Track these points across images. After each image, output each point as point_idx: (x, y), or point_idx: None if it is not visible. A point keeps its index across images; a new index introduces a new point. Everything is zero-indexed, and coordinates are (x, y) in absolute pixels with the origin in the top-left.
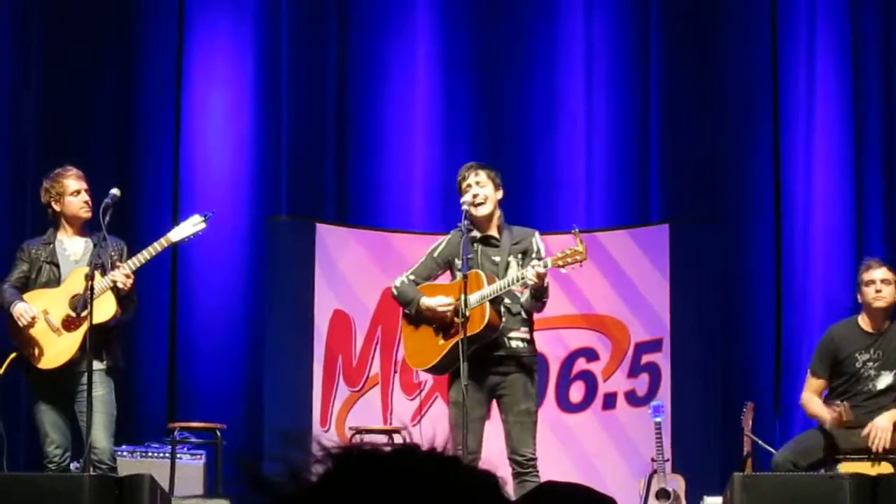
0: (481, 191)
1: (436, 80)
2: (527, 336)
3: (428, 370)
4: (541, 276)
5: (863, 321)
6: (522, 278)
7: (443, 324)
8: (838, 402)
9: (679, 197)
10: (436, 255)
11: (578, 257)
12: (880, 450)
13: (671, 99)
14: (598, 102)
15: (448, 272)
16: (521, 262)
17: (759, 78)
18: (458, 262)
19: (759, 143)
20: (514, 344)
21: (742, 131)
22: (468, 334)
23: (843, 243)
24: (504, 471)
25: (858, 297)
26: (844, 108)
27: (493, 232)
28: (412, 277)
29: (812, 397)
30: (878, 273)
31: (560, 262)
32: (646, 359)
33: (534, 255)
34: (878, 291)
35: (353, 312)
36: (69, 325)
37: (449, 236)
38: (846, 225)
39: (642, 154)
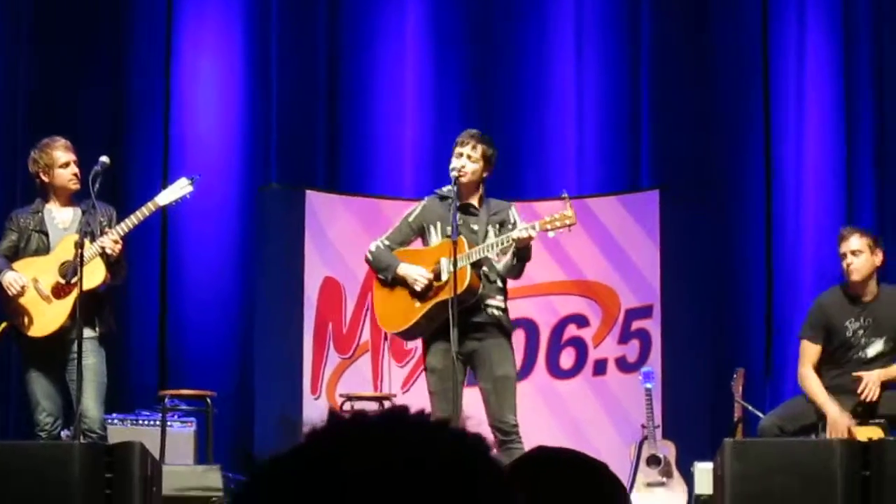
0: (469, 164)
1: (426, 47)
2: (503, 305)
3: (401, 333)
4: (529, 238)
5: (850, 289)
6: (508, 240)
7: (419, 289)
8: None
9: (670, 164)
10: (410, 220)
11: (567, 221)
12: (869, 399)
13: (662, 65)
14: (589, 69)
15: (420, 238)
16: (497, 232)
17: (750, 46)
18: (433, 229)
19: (749, 110)
20: (490, 311)
21: (733, 99)
22: (447, 297)
23: (834, 210)
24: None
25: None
26: (835, 78)
27: (474, 201)
28: (387, 243)
29: (811, 375)
30: (850, 244)
31: (549, 226)
32: (636, 325)
33: (510, 226)
34: (849, 265)
35: (344, 280)
36: (59, 292)
37: (424, 202)
38: (836, 192)
39: (633, 121)
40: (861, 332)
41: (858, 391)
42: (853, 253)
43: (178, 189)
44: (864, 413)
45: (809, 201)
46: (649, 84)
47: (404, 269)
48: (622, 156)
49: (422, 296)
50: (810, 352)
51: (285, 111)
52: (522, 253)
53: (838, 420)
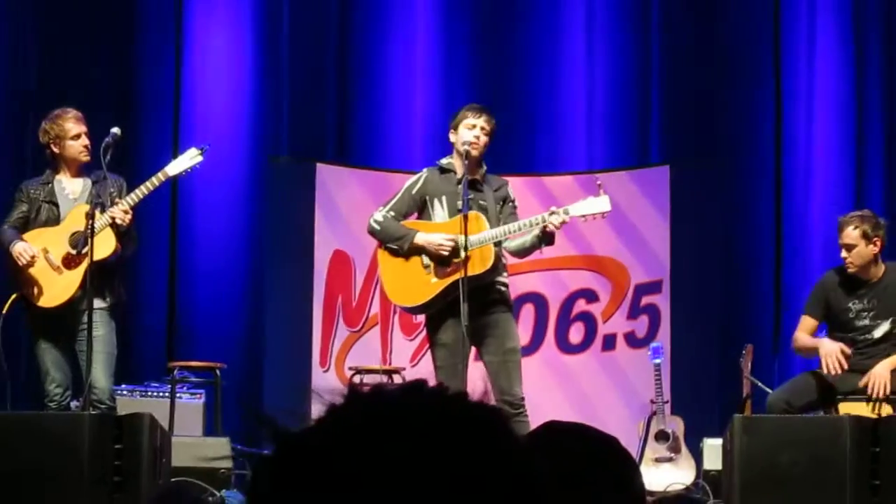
0: (483, 139)
1: (437, 19)
2: (507, 281)
3: (413, 308)
4: (561, 224)
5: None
6: (543, 222)
7: (437, 262)
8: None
9: (679, 138)
10: (414, 191)
11: (602, 208)
12: (880, 396)
13: (672, 39)
14: (599, 43)
15: (416, 212)
16: (500, 210)
17: (762, 20)
18: (437, 203)
19: (760, 85)
20: (498, 287)
21: (743, 73)
22: (475, 273)
23: (843, 186)
24: None
25: None
26: (845, 52)
27: (478, 176)
28: (392, 213)
29: (802, 335)
30: (843, 237)
31: (581, 213)
32: (645, 300)
33: (510, 204)
34: (843, 258)
35: (353, 253)
36: (69, 263)
37: (425, 174)
38: (846, 167)
39: (643, 95)
40: (865, 313)
41: (868, 392)
42: (846, 247)
43: (188, 159)
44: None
45: (819, 177)
46: (660, 58)
47: (424, 238)
48: (632, 130)
49: (439, 271)
50: (806, 324)
51: (296, 83)
52: (549, 238)
53: (829, 346)
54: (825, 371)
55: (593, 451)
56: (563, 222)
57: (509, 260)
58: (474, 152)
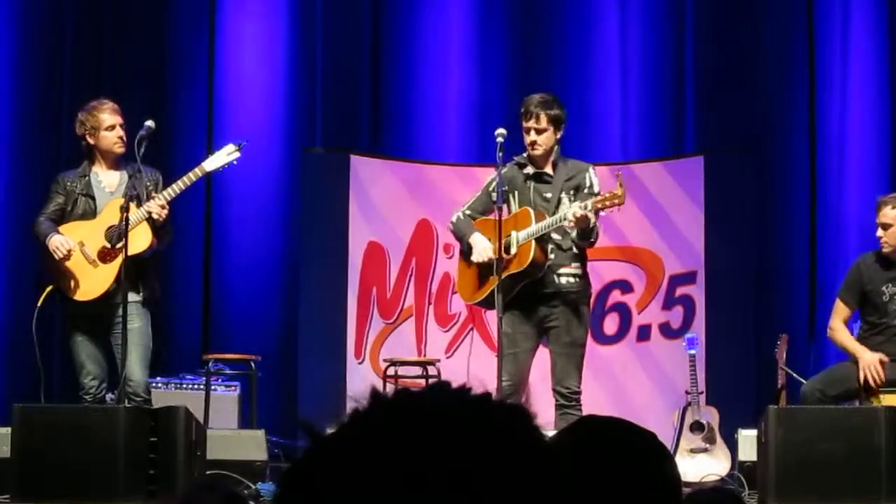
0: (538, 138)
1: (471, 10)
2: (578, 271)
3: (477, 303)
4: (579, 218)
5: (887, 255)
6: (564, 219)
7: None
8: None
9: (714, 129)
10: (491, 189)
11: (616, 201)
12: None
13: (706, 30)
14: (633, 33)
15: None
16: (572, 198)
17: (795, 9)
18: (511, 198)
19: (794, 74)
20: (563, 280)
21: (777, 63)
22: (514, 271)
23: (878, 173)
24: (548, 401)
25: None
26: (880, 39)
27: (548, 168)
28: (468, 212)
29: (840, 328)
30: (880, 216)
31: (599, 205)
32: (680, 291)
33: (586, 191)
34: (879, 237)
35: (388, 244)
36: (105, 256)
37: (503, 169)
38: (881, 156)
39: (677, 85)
40: None
41: None
42: (882, 226)
43: (225, 155)
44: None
45: (854, 166)
46: (694, 48)
47: (474, 240)
48: (666, 120)
49: (496, 268)
50: (841, 310)
51: (330, 74)
52: (583, 234)
53: (869, 358)
54: (867, 383)
55: (629, 446)
56: (578, 218)
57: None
58: (536, 152)
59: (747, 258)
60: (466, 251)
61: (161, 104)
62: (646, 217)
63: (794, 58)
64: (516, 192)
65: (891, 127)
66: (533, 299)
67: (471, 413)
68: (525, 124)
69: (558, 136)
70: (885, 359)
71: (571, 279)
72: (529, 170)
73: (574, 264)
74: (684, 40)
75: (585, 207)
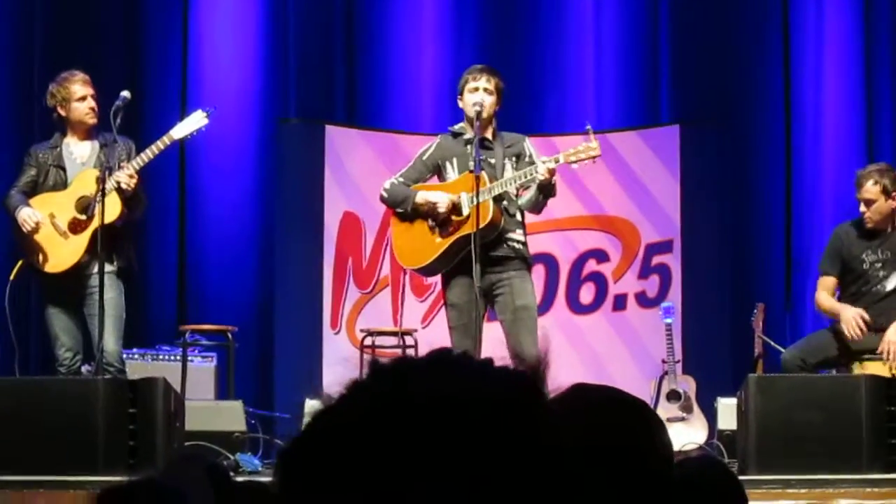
0: (488, 99)
1: None
2: (522, 238)
3: (420, 269)
4: (552, 172)
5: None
6: (532, 174)
7: (439, 222)
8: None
9: (689, 98)
10: (425, 157)
11: (592, 153)
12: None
13: None
14: (608, 1)
15: (437, 176)
16: (514, 166)
17: None
18: (449, 165)
19: (769, 44)
20: (511, 244)
21: (753, 33)
22: (469, 232)
23: (853, 144)
24: None
25: None
26: (855, 10)
27: (488, 135)
28: (401, 180)
29: (824, 295)
30: (862, 192)
31: (573, 158)
32: (656, 260)
33: (526, 160)
34: (862, 213)
35: (364, 214)
36: (76, 228)
37: (438, 140)
38: (856, 125)
39: (652, 54)
40: (879, 265)
41: (884, 359)
42: (865, 202)
43: (194, 122)
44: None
45: (829, 135)
46: (669, 17)
47: (423, 196)
48: (641, 90)
49: (442, 230)
50: (826, 283)
51: (303, 45)
52: (546, 189)
53: (850, 313)
54: (847, 337)
55: (623, 414)
56: (551, 170)
57: (529, 218)
58: (484, 114)
59: (723, 227)
60: (410, 212)
61: (135, 74)
62: (621, 186)
63: (769, 27)
64: (454, 159)
65: (865, 96)
66: (481, 264)
67: (476, 379)
68: (473, 84)
69: (497, 107)
70: (866, 315)
71: (518, 245)
72: (469, 135)
73: (518, 231)
74: (659, 10)
75: (557, 161)
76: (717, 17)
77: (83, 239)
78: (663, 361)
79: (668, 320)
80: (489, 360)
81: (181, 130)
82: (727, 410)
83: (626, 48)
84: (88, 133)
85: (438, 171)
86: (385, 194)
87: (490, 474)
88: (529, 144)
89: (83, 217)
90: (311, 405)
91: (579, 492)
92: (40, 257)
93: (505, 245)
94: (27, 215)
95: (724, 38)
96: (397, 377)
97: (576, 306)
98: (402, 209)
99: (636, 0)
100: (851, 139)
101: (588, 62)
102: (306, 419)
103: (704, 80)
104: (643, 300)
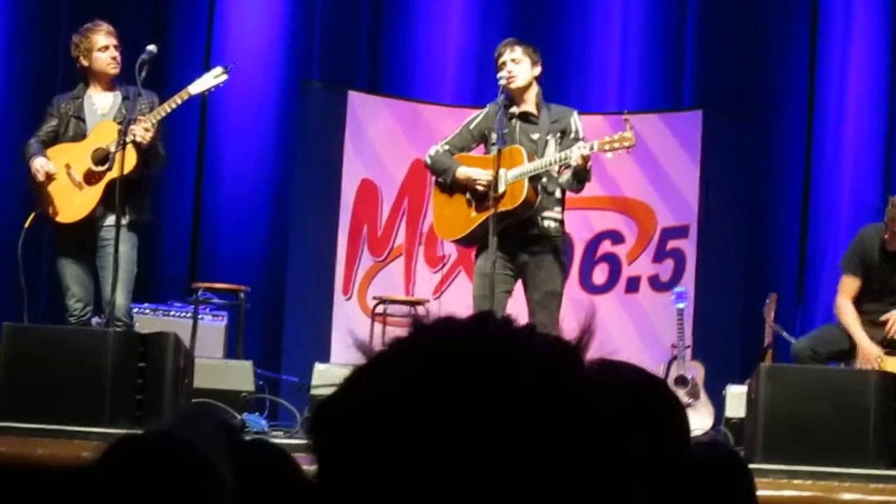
0: (515, 67)
1: None
2: (559, 216)
3: (455, 241)
4: (585, 159)
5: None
6: (566, 159)
7: (477, 196)
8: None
9: (713, 85)
10: (472, 126)
11: (626, 143)
12: (893, 335)
13: None
14: None
15: (483, 146)
16: (558, 142)
17: None
18: (494, 136)
19: (796, 38)
20: (546, 224)
21: (779, 23)
22: (503, 209)
23: (873, 141)
24: None
25: None
26: (884, 9)
27: (532, 108)
28: (447, 147)
29: (848, 306)
30: (887, 213)
31: (607, 147)
32: (672, 244)
33: (571, 136)
34: (885, 237)
35: (381, 182)
36: (90, 178)
37: (486, 109)
38: (878, 123)
39: (678, 39)
40: None
41: (885, 332)
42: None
43: (212, 78)
44: (893, 343)
45: (849, 132)
46: (697, 2)
47: (464, 172)
48: (665, 74)
49: (479, 205)
50: (848, 285)
51: (330, 8)
52: (581, 175)
53: (868, 351)
54: (859, 366)
55: (653, 394)
56: (585, 157)
57: (570, 195)
58: (512, 84)
59: (740, 215)
60: (449, 184)
61: (160, 29)
62: (640, 168)
63: (798, 21)
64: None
65: (888, 95)
66: (515, 242)
67: (521, 345)
68: (499, 60)
69: (536, 71)
70: (882, 356)
71: (553, 223)
72: (515, 109)
73: (556, 209)
74: None
75: (592, 148)
76: (745, 6)
77: (97, 190)
78: (673, 346)
79: (681, 305)
80: (531, 325)
81: (199, 86)
82: (736, 398)
83: (653, 31)
84: (111, 84)
85: (484, 141)
86: (429, 161)
87: (541, 431)
88: (577, 119)
89: (99, 168)
90: (321, 369)
91: (625, 461)
92: (53, 207)
93: (541, 223)
94: (39, 165)
95: (751, 27)
96: (446, 334)
97: (588, 286)
98: (443, 180)
99: None
100: (872, 137)
101: (614, 43)
102: (315, 382)
103: (729, 69)
104: (656, 283)
